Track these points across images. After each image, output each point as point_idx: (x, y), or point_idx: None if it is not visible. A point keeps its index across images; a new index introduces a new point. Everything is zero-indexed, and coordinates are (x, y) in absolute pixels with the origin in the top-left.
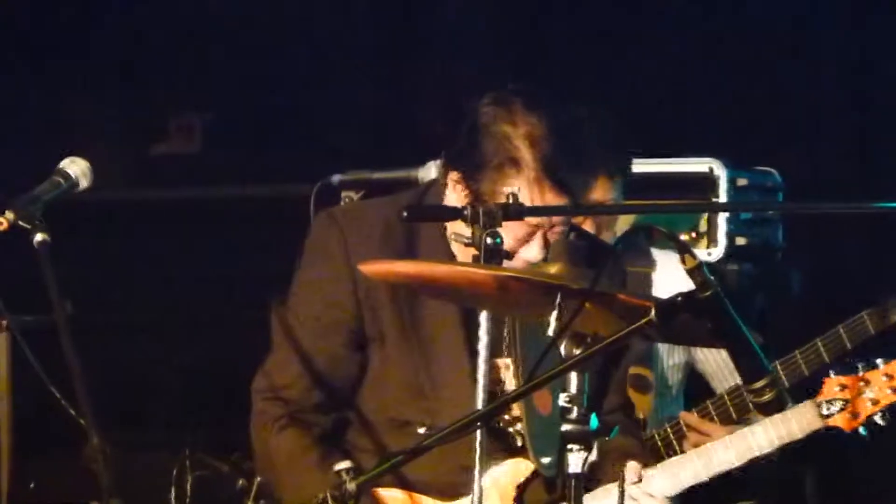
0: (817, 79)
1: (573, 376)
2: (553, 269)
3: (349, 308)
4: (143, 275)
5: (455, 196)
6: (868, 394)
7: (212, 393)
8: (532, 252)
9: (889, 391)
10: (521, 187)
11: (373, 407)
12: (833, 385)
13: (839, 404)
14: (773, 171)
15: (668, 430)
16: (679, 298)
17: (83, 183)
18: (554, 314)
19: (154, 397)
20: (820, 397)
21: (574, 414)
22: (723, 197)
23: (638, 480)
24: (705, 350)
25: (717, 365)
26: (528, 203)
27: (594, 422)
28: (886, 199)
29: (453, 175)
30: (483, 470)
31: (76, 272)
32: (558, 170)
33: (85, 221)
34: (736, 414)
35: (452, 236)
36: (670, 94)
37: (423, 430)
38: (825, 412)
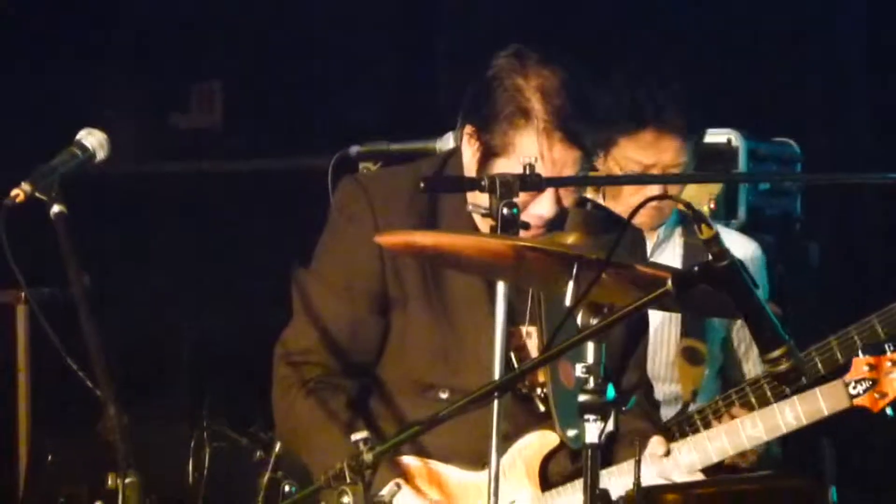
0: (836, 49)
1: (590, 346)
2: (570, 239)
3: (375, 272)
4: (161, 246)
5: (469, 152)
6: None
7: (230, 365)
8: (543, 207)
9: None
10: (532, 138)
11: (397, 372)
12: (861, 365)
13: (867, 384)
14: (791, 142)
15: (719, 402)
16: (696, 269)
17: (100, 154)
18: (571, 284)
19: (172, 369)
20: (848, 377)
21: (591, 384)
22: (742, 168)
23: (667, 454)
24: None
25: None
26: (537, 154)
27: (611, 392)
28: None
29: (467, 129)
30: (501, 438)
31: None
32: (569, 122)
33: (101, 193)
34: (758, 404)
35: (471, 207)
36: (688, 65)
37: (445, 396)
38: (853, 391)
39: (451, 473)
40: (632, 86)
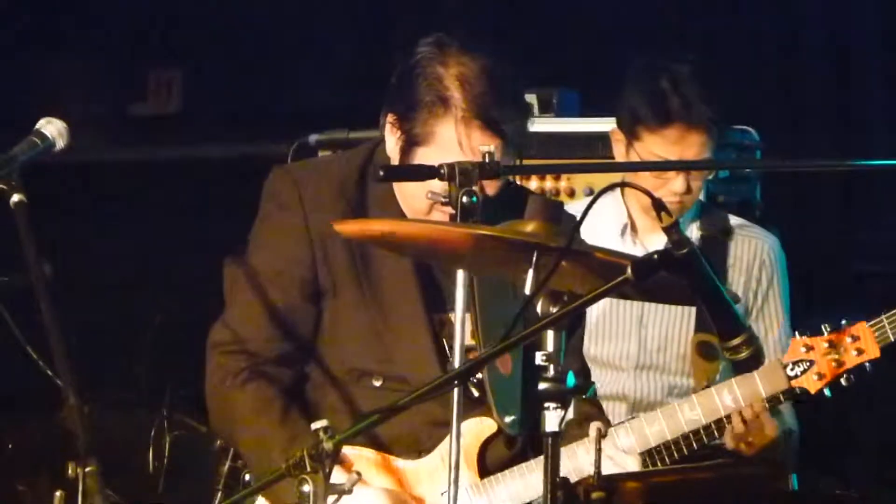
0: (796, 34)
1: (550, 334)
2: (529, 227)
3: (305, 259)
4: (121, 235)
5: (392, 140)
6: (833, 355)
7: (190, 353)
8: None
9: (854, 353)
10: (450, 127)
11: (330, 360)
12: (799, 346)
13: (805, 365)
14: (750, 129)
15: None
16: (655, 256)
17: (60, 143)
18: (530, 272)
19: (132, 357)
20: (786, 358)
21: (551, 372)
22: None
23: (603, 436)
24: None
25: None
26: (456, 145)
27: (571, 380)
28: (864, 157)
29: (389, 118)
30: (458, 426)
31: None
32: (488, 110)
33: (62, 182)
34: None
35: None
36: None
37: (378, 384)
38: (791, 373)
39: (394, 462)
40: (654, 79)
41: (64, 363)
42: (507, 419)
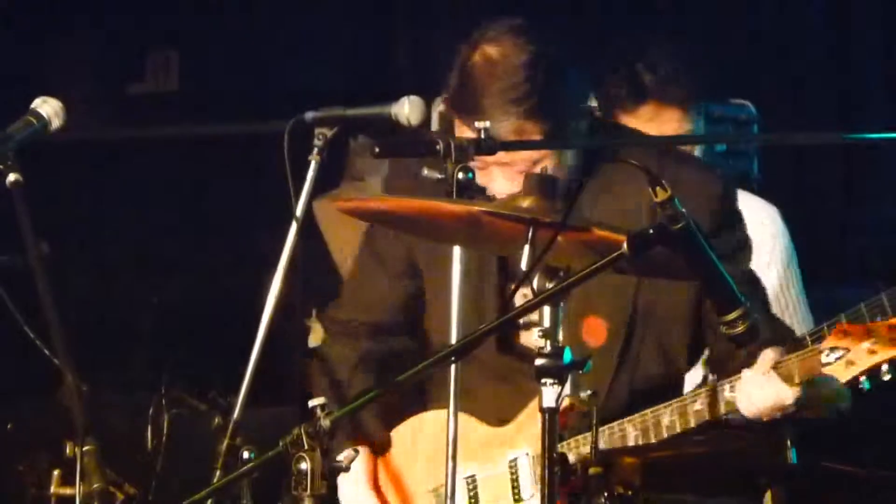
0: (794, 8)
1: (546, 311)
2: (525, 202)
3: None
4: (119, 214)
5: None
6: (867, 345)
7: (188, 331)
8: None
9: (889, 342)
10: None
11: (436, 337)
12: (838, 333)
13: (840, 352)
14: (747, 103)
15: None
16: (651, 231)
17: (56, 123)
18: (526, 248)
19: (130, 336)
20: (824, 344)
21: (547, 348)
22: (697, 129)
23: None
24: None
25: None
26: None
27: (567, 356)
28: (863, 131)
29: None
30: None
31: (53, 213)
32: (463, 102)
33: (59, 161)
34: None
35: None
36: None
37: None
38: (825, 360)
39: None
40: (628, 60)
41: (61, 343)
42: (583, 394)
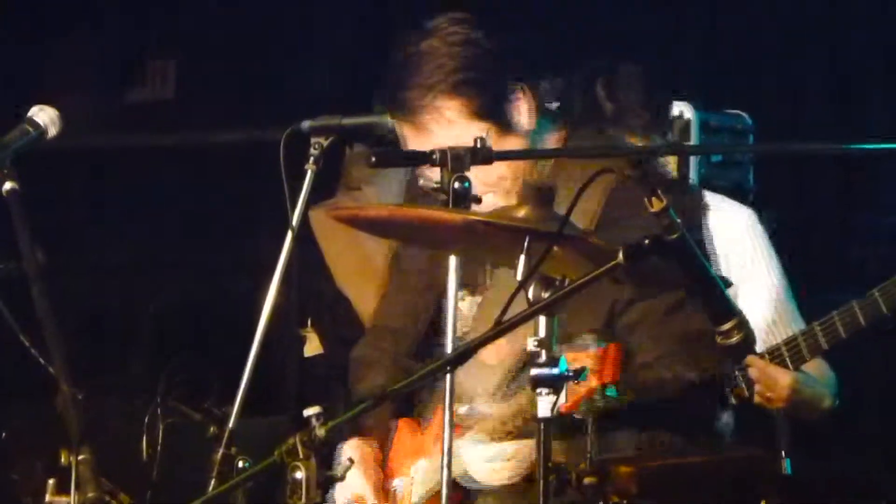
0: (789, 18)
1: (542, 320)
2: (521, 212)
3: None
4: (118, 221)
5: None
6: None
7: (184, 339)
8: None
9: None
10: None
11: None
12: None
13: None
14: (743, 113)
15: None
16: (646, 241)
17: (52, 131)
18: (522, 258)
19: (126, 344)
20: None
21: (543, 358)
22: (694, 140)
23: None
24: None
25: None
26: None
27: (563, 365)
28: (860, 141)
29: None
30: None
31: (51, 219)
32: (393, 89)
33: (57, 168)
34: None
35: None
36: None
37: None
38: None
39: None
40: (591, 83)
41: (57, 351)
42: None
